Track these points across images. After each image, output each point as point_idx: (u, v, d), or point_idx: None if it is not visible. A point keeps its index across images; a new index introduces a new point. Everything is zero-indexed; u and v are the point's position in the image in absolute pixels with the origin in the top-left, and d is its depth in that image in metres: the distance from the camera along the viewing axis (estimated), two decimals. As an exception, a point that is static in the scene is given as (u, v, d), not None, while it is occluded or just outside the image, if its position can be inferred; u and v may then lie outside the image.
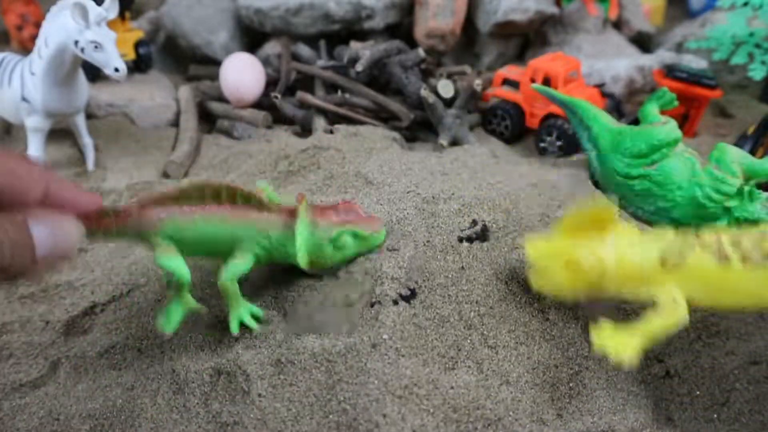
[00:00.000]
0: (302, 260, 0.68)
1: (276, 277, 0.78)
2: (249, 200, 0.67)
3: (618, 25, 1.72)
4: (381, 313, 0.69)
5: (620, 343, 0.58)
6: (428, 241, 0.81)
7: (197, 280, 0.79)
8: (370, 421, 0.58)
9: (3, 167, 0.45)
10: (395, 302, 0.71)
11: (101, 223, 0.64)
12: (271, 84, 1.43)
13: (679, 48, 1.67)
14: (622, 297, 0.63)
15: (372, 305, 0.70)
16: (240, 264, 0.67)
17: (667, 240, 0.62)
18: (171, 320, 0.69)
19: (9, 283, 0.55)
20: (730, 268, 0.57)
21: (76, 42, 0.98)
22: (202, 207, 0.66)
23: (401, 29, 1.62)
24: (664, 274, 0.60)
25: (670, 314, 0.59)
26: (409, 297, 0.72)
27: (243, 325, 0.70)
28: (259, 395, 0.64)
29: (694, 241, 0.60)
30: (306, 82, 1.45)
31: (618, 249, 0.61)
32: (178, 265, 0.67)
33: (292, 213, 0.67)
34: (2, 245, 0.42)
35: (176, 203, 0.66)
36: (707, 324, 0.72)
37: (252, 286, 0.78)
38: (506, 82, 1.35)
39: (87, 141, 1.18)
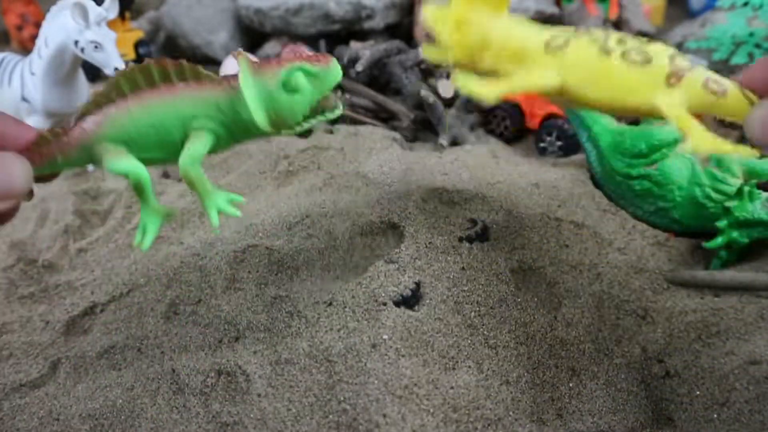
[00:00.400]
0: (259, 119, 0.60)
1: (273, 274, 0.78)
2: (184, 74, 0.60)
3: (618, 25, 1.72)
4: (381, 314, 0.69)
5: (482, 86, 0.58)
6: (429, 242, 0.81)
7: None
8: (370, 421, 0.58)
9: None
10: (396, 303, 0.71)
11: (43, 152, 0.58)
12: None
13: (679, 48, 1.67)
14: (497, 71, 0.62)
15: (375, 303, 0.70)
16: (197, 145, 0.60)
17: (555, 28, 0.62)
18: (148, 234, 0.62)
19: None
20: (609, 60, 0.58)
21: (76, 42, 0.98)
22: (135, 94, 0.59)
23: (401, 29, 1.62)
24: (545, 56, 0.60)
25: (537, 76, 0.59)
26: (410, 297, 0.72)
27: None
28: (259, 395, 0.64)
29: (582, 33, 0.60)
30: (306, 82, 1.45)
31: (508, 23, 0.62)
32: (131, 164, 0.59)
33: (235, 77, 0.60)
34: None
35: (110, 100, 0.59)
36: (707, 324, 0.73)
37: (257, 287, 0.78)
38: (506, 82, 1.35)
39: (87, 141, 1.18)
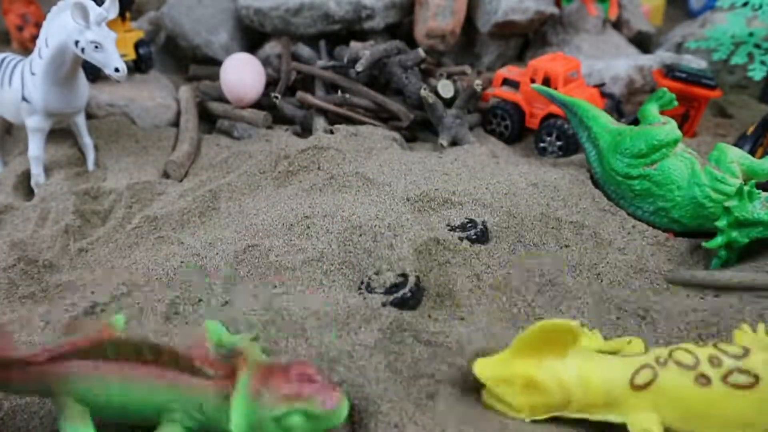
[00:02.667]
0: None
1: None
2: (178, 362, 0.54)
3: (618, 25, 1.72)
4: (382, 314, 0.69)
5: None
6: (428, 242, 0.81)
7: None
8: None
9: None
10: (394, 304, 0.71)
11: (4, 375, 0.55)
12: (271, 84, 1.43)
13: (679, 48, 1.67)
14: (591, 419, 0.57)
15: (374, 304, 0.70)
16: None
17: (635, 358, 0.57)
18: None
19: None
20: (710, 390, 0.52)
21: (77, 42, 0.98)
22: (122, 364, 0.54)
23: (401, 29, 1.62)
24: (635, 396, 0.54)
25: None
26: (409, 298, 0.72)
27: None
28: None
29: (664, 356, 0.55)
30: (306, 82, 1.45)
31: (581, 369, 0.56)
32: None
33: (232, 376, 0.53)
34: None
35: (90, 357, 0.55)
36: (707, 324, 0.73)
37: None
38: (506, 82, 1.35)
39: (87, 141, 1.18)
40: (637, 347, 0.62)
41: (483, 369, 0.58)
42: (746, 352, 0.54)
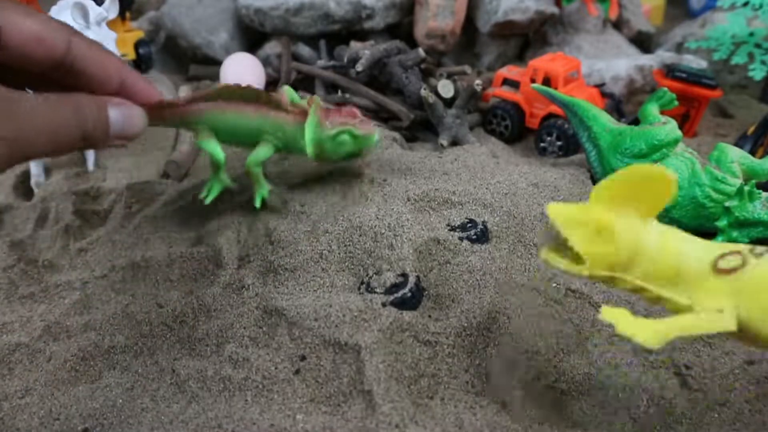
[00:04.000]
0: (309, 150, 0.84)
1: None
2: (270, 102, 0.83)
3: (618, 25, 1.72)
4: (382, 314, 0.69)
5: (642, 328, 0.46)
6: (428, 242, 0.81)
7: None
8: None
9: (95, 59, 0.58)
10: (394, 304, 0.71)
11: (160, 112, 0.78)
12: (271, 84, 1.43)
13: (679, 48, 1.67)
14: (644, 294, 0.53)
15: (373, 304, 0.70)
16: (262, 152, 0.85)
17: (728, 244, 0.51)
18: (210, 193, 0.88)
19: (86, 149, 0.72)
20: None
21: (76, 42, 0.98)
22: (234, 103, 0.82)
23: (401, 29, 1.62)
24: (714, 279, 0.48)
25: (713, 319, 0.47)
26: (409, 298, 0.72)
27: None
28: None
29: (764, 252, 0.49)
30: (306, 82, 1.45)
31: (662, 236, 0.51)
32: (215, 147, 0.84)
33: (304, 113, 0.84)
34: (87, 120, 0.55)
35: (213, 99, 0.82)
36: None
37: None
38: (506, 82, 1.35)
39: (87, 141, 1.18)
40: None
41: (556, 210, 0.51)
42: None
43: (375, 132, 0.87)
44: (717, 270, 0.49)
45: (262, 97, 0.83)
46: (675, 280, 0.50)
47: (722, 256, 0.49)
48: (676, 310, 0.51)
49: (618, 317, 0.47)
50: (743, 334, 0.48)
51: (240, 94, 0.82)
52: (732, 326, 0.47)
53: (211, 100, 0.82)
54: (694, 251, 0.50)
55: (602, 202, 0.51)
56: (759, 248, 0.49)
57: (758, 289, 0.46)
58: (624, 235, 0.50)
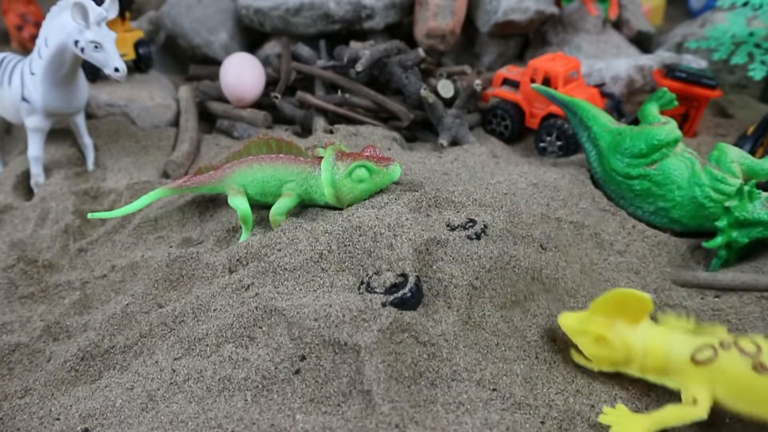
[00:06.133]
0: (328, 193, 0.85)
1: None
2: (291, 150, 0.87)
3: (618, 25, 1.72)
4: (382, 314, 0.69)
5: (626, 424, 0.61)
6: (428, 242, 0.81)
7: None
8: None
9: None
10: (394, 304, 0.71)
11: (196, 178, 0.92)
12: (271, 84, 1.43)
13: (679, 48, 1.67)
14: (645, 378, 0.66)
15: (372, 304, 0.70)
16: (286, 202, 0.87)
17: (702, 337, 0.63)
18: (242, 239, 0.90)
19: None
20: (766, 379, 0.58)
21: (76, 42, 0.98)
22: (258, 156, 0.88)
23: (401, 29, 1.61)
24: (692, 369, 0.61)
25: (687, 411, 0.60)
26: (409, 298, 0.72)
27: None
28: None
29: (729, 342, 0.61)
30: (306, 82, 1.45)
31: (648, 337, 0.64)
32: (243, 203, 0.88)
33: (321, 158, 0.86)
34: None
35: (242, 156, 0.89)
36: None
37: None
38: (506, 82, 1.35)
39: (87, 141, 1.18)
40: (721, 334, 0.65)
41: (565, 320, 0.68)
42: None
43: (395, 166, 0.85)
44: (695, 361, 0.61)
45: (285, 146, 0.87)
46: (665, 370, 0.64)
47: (699, 349, 0.61)
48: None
49: (613, 420, 0.61)
50: (717, 404, 0.61)
51: (265, 147, 0.88)
52: (704, 415, 0.60)
53: (240, 157, 0.89)
54: (676, 346, 0.63)
55: (599, 313, 0.66)
56: (726, 340, 0.61)
57: (725, 378, 0.60)
58: (616, 341, 0.64)
